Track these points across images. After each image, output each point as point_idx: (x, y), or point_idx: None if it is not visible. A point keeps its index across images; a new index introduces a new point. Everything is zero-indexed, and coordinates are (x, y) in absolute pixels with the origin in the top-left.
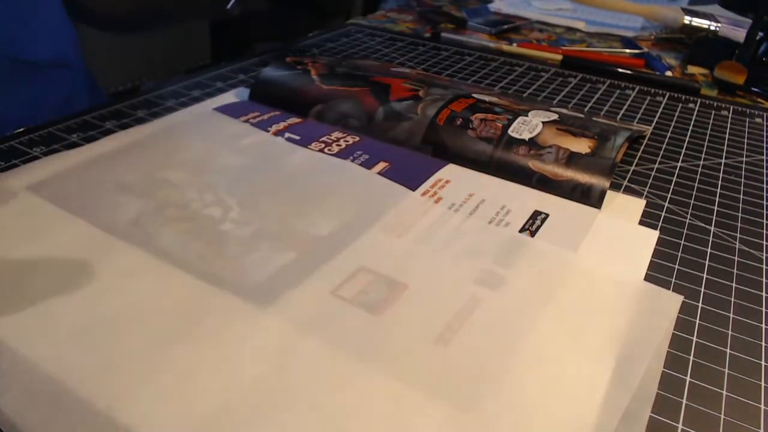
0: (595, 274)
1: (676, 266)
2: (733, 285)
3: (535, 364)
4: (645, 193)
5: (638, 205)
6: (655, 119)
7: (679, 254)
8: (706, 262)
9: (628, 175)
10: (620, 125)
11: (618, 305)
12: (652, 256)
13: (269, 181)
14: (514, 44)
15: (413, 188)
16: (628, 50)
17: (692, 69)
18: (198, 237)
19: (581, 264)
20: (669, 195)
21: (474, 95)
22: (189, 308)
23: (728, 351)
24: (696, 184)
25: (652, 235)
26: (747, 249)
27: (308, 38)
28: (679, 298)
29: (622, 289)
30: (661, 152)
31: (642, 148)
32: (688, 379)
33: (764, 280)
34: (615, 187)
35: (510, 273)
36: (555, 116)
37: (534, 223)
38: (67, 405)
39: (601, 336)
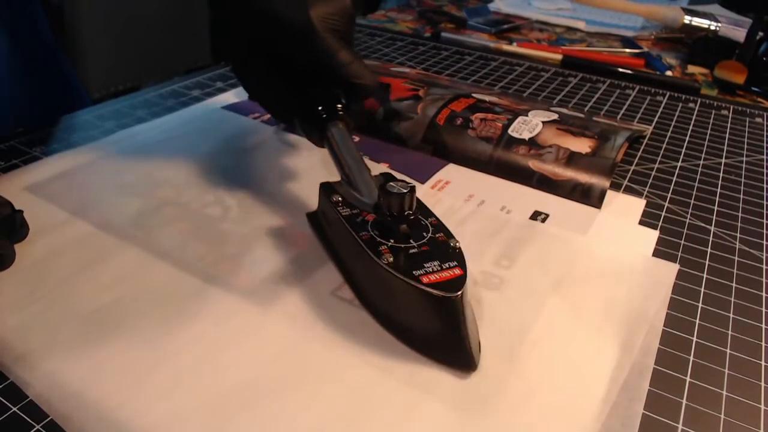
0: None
1: (677, 265)
2: (733, 285)
3: (539, 359)
4: (645, 192)
5: (638, 204)
6: (655, 119)
7: (679, 254)
8: (706, 262)
9: (628, 175)
10: (620, 125)
11: (617, 279)
12: (652, 256)
13: (270, 180)
14: (514, 44)
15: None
16: (628, 50)
17: (692, 69)
18: (198, 236)
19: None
20: (669, 195)
21: (474, 95)
22: (188, 308)
23: (728, 351)
24: (696, 184)
25: (652, 235)
26: (747, 249)
27: None
28: (675, 267)
29: (623, 263)
30: (661, 152)
31: (642, 147)
32: (687, 379)
33: (764, 280)
34: (615, 186)
35: (509, 274)
36: (555, 116)
37: None
38: (63, 396)
39: (602, 309)
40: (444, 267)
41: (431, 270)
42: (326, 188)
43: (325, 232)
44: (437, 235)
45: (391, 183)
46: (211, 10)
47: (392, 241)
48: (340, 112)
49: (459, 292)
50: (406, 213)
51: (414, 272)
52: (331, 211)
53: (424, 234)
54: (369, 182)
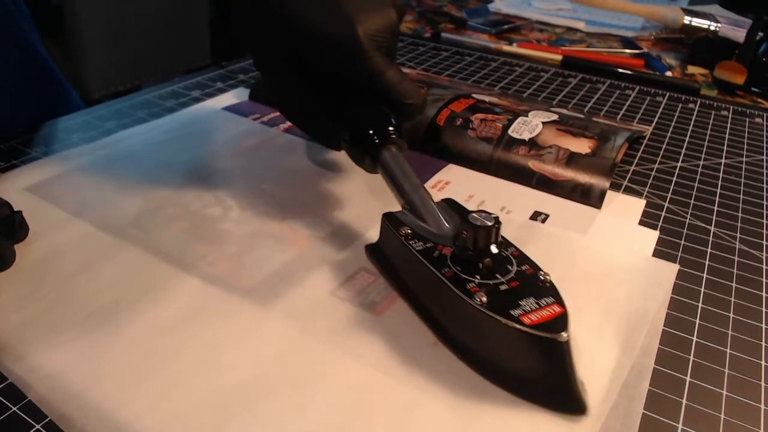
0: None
1: (677, 265)
2: (733, 285)
3: None
4: (645, 193)
5: (638, 205)
6: (655, 119)
7: (679, 254)
8: (706, 262)
9: (628, 175)
10: (620, 125)
11: (617, 279)
12: (652, 256)
13: (270, 180)
14: (514, 44)
15: None
16: (628, 50)
17: (692, 69)
18: (198, 236)
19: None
20: (669, 195)
21: (474, 95)
22: (188, 307)
23: (728, 351)
24: (696, 184)
25: (652, 235)
26: (747, 249)
27: None
28: (675, 267)
29: (623, 263)
30: (661, 152)
31: (642, 148)
32: (688, 379)
33: (764, 280)
34: (615, 187)
35: None
36: (555, 116)
37: None
38: (63, 397)
39: (603, 309)
40: (541, 304)
41: (529, 309)
42: (391, 219)
43: (391, 265)
44: (524, 268)
45: (474, 214)
46: (224, 14)
47: (478, 277)
48: (393, 135)
49: (567, 334)
50: (491, 247)
51: (511, 312)
52: (400, 244)
53: (509, 267)
54: (434, 211)
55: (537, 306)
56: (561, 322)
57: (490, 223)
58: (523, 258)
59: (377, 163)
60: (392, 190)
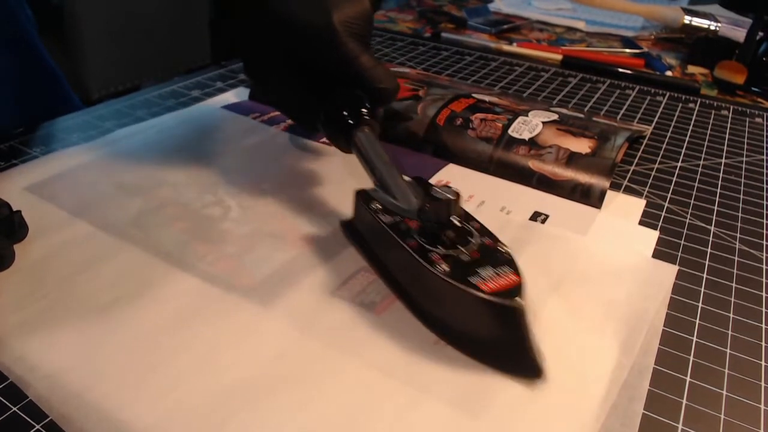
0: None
1: (676, 266)
2: (733, 285)
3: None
4: (645, 193)
5: (638, 205)
6: (655, 119)
7: (679, 254)
8: (706, 262)
9: (628, 175)
10: (620, 125)
11: (617, 279)
12: (652, 256)
13: (270, 180)
14: (514, 44)
15: None
16: (628, 50)
17: (692, 69)
18: (198, 236)
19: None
20: (669, 195)
21: (474, 95)
22: (188, 307)
23: (728, 351)
24: (696, 184)
25: (652, 235)
26: (747, 249)
27: None
28: (675, 268)
29: (623, 263)
30: (661, 152)
31: (642, 148)
32: (688, 379)
33: (764, 280)
34: (615, 187)
35: None
36: (555, 116)
37: None
38: (63, 397)
39: (603, 310)
40: (499, 273)
41: (487, 277)
42: (362, 195)
43: (363, 240)
44: (484, 240)
45: (436, 188)
46: (224, 14)
47: (440, 248)
48: (366, 117)
49: (523, 300)
50: (452, 219)
51: (470, 280)
52: (370, 219)
53: (470, 239)
54: (404, 187)
55: (495, 275)
56: (517, 289)
57: (451, 197)
58: (484, 231)
59: (351, 143)
60: (365, 168)
